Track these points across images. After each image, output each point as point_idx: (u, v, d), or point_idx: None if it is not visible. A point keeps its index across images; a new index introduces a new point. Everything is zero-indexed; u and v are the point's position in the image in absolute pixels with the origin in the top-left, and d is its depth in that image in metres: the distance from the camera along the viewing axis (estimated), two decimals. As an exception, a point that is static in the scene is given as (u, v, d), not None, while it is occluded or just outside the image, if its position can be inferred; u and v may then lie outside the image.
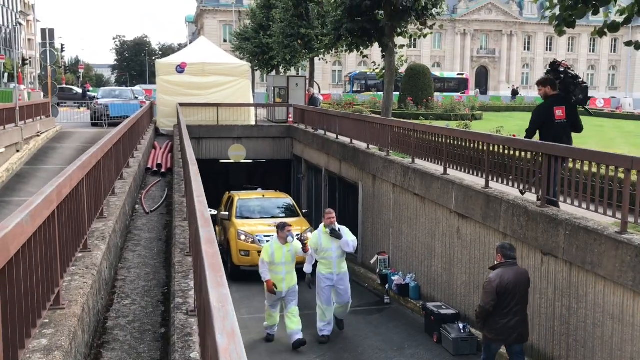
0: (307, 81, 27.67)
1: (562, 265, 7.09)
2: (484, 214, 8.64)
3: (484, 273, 8.91)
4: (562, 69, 7.97)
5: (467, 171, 9.44)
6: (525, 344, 7.20)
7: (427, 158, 10.89)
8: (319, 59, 26.55)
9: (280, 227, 9.72)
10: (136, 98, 29.03)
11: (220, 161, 22.04)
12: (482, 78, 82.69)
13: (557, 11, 7.58)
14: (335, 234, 9.67)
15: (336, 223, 9.85)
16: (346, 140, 15.28)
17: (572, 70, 8.06)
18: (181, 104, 20.52)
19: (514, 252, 7.02)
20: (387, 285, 11.85)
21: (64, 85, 50.31)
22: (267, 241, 13.64)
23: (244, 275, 13.68)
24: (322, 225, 9.91)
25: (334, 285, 9.84)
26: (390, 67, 16.95)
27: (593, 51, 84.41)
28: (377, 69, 17.66)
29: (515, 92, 51.49)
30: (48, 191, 3.65)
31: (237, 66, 22.73)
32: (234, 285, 13.46)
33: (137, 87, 42.76)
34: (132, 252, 6.85)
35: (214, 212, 17.09)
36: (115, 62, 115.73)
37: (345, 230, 9.87)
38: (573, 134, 7.92)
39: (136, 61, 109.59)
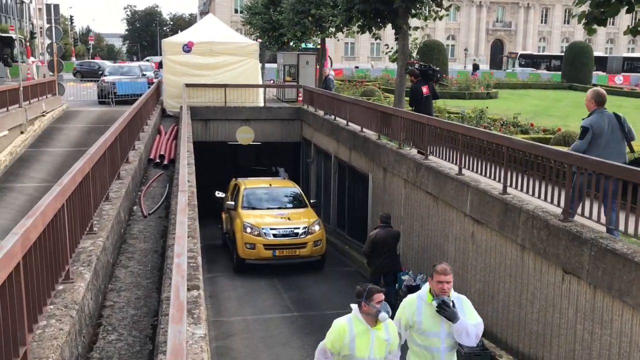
0: (318, 59, 26.96)
1: (586, 286, 6.58)
2: (501, 222, 8.11)
3: (499, 283, 8.44)
4: (417, 66, 12.49)
5: (484, 173, 8.88)
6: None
7: (441, 155, 10.34)
8: (331, 38, 25.76)
9: (366, 295, 5.08)
10: (144, 75, 28.46)
11: (229, 143, 21.62)
12: (498, 52, 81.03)
13: (586, 8, 6.89)
14: (447, 313, 5.11)
15: (452, 292, 5.28)
16: (356, 128, 14.72)
17: (422, 64, 12.79)
18: (188, 85, 20.02)
19: (389, 219, 10.91)
20: (396, 285, 11.43)
21: (85, 60, 49.12)
22: (274, 234, 13.35)
23: (249, 268, 13.34)
24: (425, 288, 5.43)
25: None
26: (403, 50, 16.26)
27: (613, 24, 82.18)
28: (389, 52, 16.96)
29: (476, 67, 50.34)
30: (8, 246, 3.17)
31: (246, 45, 22.05)
32: (239, 279, 13.14)
33: (145, 62, 42.06)
34: (124, 269, 6.42)
35: (222, 194, 16.73)
36: (126, 32, 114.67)
37: (465, 305, 5.31)
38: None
39: (147, 31, 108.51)
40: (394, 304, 9.69)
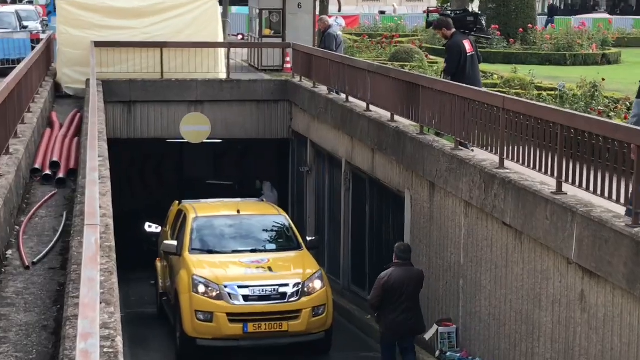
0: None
1: None
2: (631, 274, 8.12)
3: (628, 378, 8.44)
4: (448, 13, 13.25)
5: (599, 191, 8.89)
6: None
7: (525, 160, 10.38)
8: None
9: None
10: (24, 28, 28.72)
11: (168, 141, 21.75)
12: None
13: None
14: None
15: None
16: (384, 114, 14.84)
17: (451, 11, 13.11)
18: (98, 44, 20.14)
19: (408, 254, 11.89)
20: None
21: None
22: (245, 296, 13.39)
23: (202, 354, 13.36)
24: None
25: None
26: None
27: None
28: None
29: (553, 11, 50.31)
30: None
31: (197, -22, 22.25)
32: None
33: (26, 6, 42.43)
34: (-9, 359, 6.42)
35: (157, 228, 16.83)
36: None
37: None
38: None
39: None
40: None
